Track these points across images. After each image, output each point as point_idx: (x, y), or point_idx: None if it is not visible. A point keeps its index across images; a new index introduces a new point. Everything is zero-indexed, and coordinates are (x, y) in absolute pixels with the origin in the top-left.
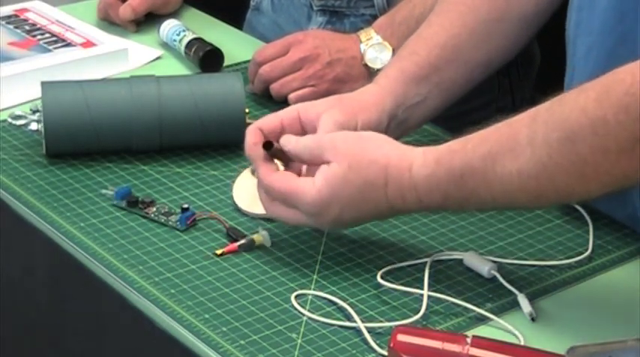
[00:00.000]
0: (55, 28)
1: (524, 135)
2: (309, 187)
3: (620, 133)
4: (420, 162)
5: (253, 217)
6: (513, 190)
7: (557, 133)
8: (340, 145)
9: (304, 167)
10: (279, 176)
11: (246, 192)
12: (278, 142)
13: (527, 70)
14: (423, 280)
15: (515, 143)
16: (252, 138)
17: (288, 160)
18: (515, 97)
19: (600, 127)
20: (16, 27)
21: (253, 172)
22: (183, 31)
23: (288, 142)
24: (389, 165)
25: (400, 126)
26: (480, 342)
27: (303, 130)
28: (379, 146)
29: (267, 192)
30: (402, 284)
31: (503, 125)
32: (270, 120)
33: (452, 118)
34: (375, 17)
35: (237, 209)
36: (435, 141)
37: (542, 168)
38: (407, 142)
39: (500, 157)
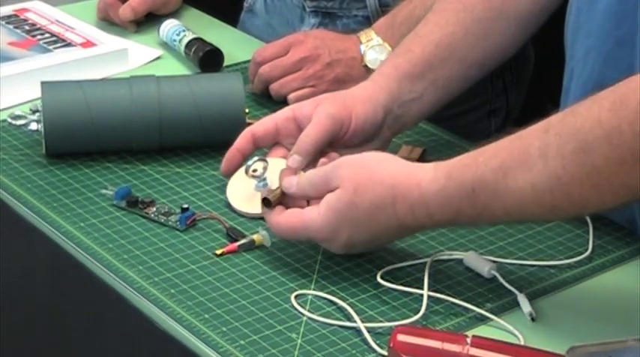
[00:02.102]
0: (55, 28)
1: (536, 147)
2: (314, 215)
3: (636, 143)
4: (430, 177)
5: (249, 217)
6: (527, 204)
7: (571, 145)
8: (344, 172)
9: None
10: (284, 216)
11: (239, 192)
12: (273, 144)
13: (521, 71)
14: (423, 280)
15: (526, 156)
16: (239, 143)
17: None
18: (510, 98)
19: (615, 138)
20: (16, 27)
21: (247, 172)
22: (183, 31)
23: (290, 185)
24: (396, 184)
25: (397, 121)
26: (480, 342)
27: (298, 129)
28: (386, 167)
29: (277, 234)
30: (402, 284)
31: (515, 137)
32: (264, 123)
33: (446, 119)
34: (367, 19)
35: (232, 210)
36: (435, 141)
37: (557, 180)
38: (408, 142)
39: (511, 170)
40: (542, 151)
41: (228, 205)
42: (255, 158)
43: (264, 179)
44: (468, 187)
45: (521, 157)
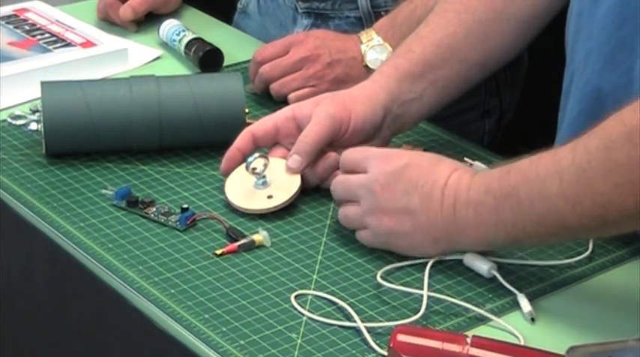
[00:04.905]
0: (54, 28)
1: (570, 145)
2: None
3: None
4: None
5: (246, 213)
6: (552, 195)
7: (596, 141)
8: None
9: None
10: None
11: (238, 188)
12: (273, 144)
13: (514, 72)
14: (423, 280)
15: (559, 150)
16: (239, 142)
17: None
18: (503, 99)
19: (636, 136)
20: (16, 27)
21: (247, 168)
22: (183, 31)
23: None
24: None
25: (397, 121)
26: (480, 342)
27: (298, 129)
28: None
29: (344, 162)
30: (402, 284)
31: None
32: (264, 123)
33: (440, 120)
34: (359, 20)
35: (230, 206)
36: (435, 141)
37: (582, 173)
38: (408, 142)
39: (543, 160)
40: (572, 147)
41: (226, 201)
42: (256, 155)
43: (264, 177)
44: (506, 169)
45: (555, 152)
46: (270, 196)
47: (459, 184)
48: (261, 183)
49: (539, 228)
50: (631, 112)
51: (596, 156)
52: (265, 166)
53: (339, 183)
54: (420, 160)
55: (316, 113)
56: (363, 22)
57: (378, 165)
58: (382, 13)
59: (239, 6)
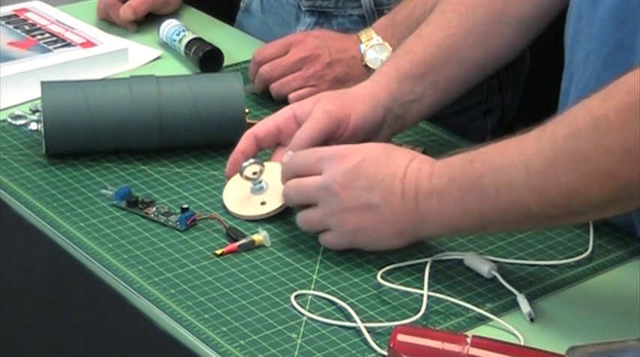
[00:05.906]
0: (55, 28)
1: (534, 134)
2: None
3: (623, 132)
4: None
5: (242, 220)
6: (517, 185)
7: (563, 130)
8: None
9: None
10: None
11: (235, 194)
12: (276, 146)
13: (516, 71)
14: (423, 280)
15: (524, 140)
16: (242, 145)
17: None
18: (505, 98)
19: (603, 125)
20: (16, 27)
21: (241, 174)
22: (183, 31)
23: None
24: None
25: (397, 121)
26: (480, 342)
27: (299, 128)
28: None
29: (294, 166)
30: (402, 284)
31: (522, 133)
32: (266, 123)
33: (442, 118)
34: (362, 18)
35: (228, 213)
36: (435, 141)
37: (548, 163)
38: (408, 142)
39: (508, 149)
40: (538, 136)
41: (224, 208)
42: (251, 160)
43: (260, 182)
44: (468, 158)
45: (520, 141)
46: (263, 203)
47: (419, 174)
48: (257, 188)
49: (504, 217)
50: (598, 102)
51: (563, 144)
52: (261, 171)
53: (293, 187)
54: (374, 152)
55: (315, 110)
56: (366, 20)
57: (333, 165)
58: (385, 11)
59: (242, 4)
